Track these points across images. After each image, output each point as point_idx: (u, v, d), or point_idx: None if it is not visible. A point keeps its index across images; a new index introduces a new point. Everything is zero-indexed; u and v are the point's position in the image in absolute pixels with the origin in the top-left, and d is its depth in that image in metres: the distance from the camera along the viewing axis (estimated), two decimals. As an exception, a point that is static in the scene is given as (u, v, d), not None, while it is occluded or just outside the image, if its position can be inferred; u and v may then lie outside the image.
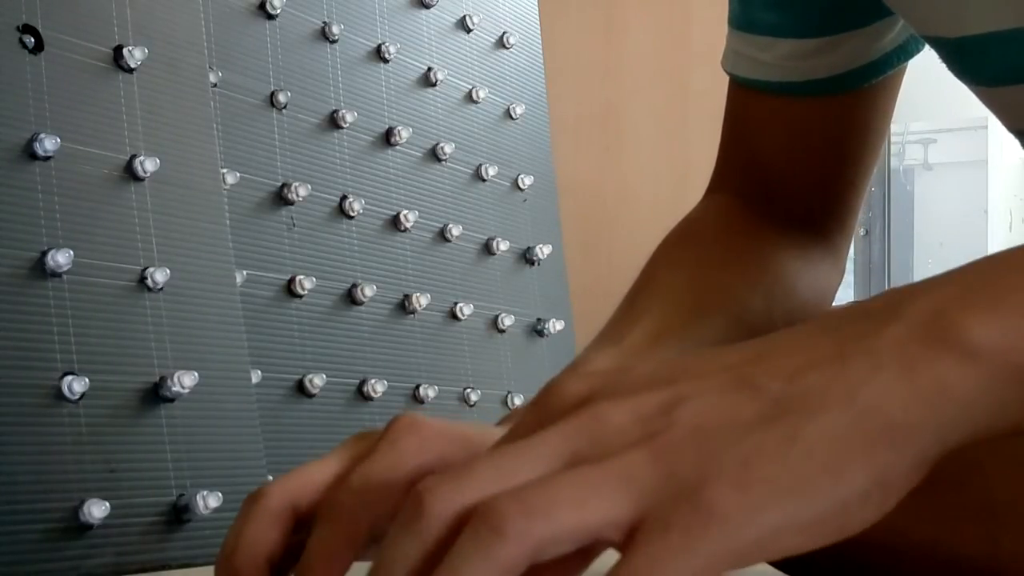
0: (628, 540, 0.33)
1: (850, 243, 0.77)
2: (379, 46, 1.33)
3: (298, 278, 1.17)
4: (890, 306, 0.37)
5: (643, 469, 0.34)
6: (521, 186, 1.51)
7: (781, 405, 0.34)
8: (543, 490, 0.33)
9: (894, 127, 3.28)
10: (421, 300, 1.30)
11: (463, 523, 0.34)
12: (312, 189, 1.21)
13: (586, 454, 0.35)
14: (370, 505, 0.43)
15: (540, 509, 0.33)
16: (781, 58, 0.69)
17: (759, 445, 0.33)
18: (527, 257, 1.50)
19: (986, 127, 3.36)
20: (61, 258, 0.91)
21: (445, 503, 0.34)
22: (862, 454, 0.34)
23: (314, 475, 0.46)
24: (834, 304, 0.76)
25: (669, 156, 2.01)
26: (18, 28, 0.93)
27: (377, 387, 1.22)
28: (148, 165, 0.99)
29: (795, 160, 0.72)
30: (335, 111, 1.26)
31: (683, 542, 0.32)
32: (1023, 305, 0.35)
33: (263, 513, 0.44)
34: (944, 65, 0.65)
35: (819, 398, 0.34)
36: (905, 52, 0.70)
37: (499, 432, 0.51)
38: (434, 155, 1.39)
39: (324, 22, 1.27)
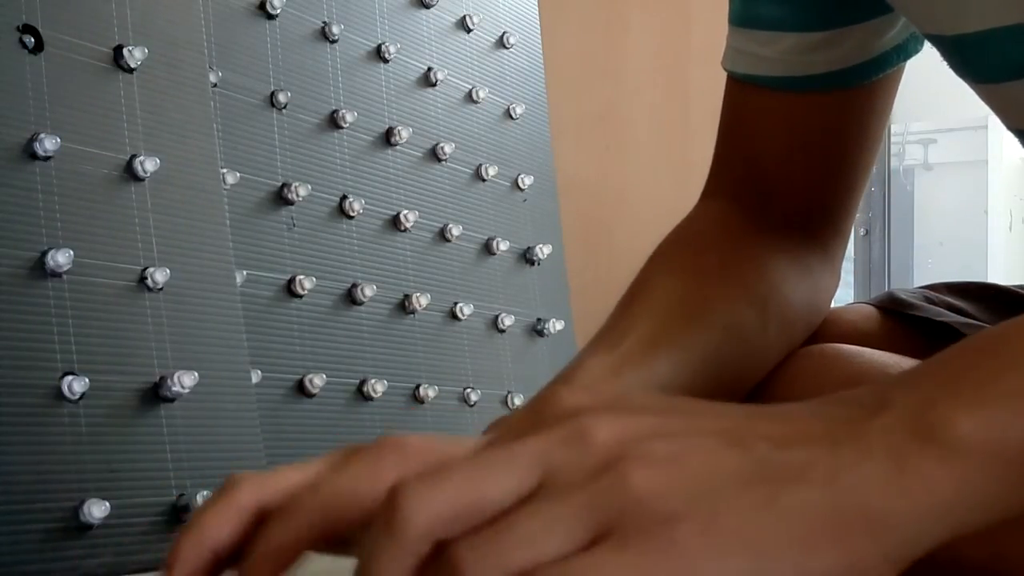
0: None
1: (846, 247, 0.77)
2: (379, 46, 1.34)
3: (298, 278, 1.17)
4: (879, 395, 0.37)
5: (612, 492, 0.34)
6: (521, 186, 1.51)
7: (765, 468, 0.34)
8: (501, 532, 0.34)
9: (894, 127, 3.28)
10: (421, 300, 1.30)
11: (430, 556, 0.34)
12: (312, 189, 1.21)
13: (561, 467, 0.35)
14: (330, 511, 0.43)
15: (496, 552, 0.33)
16: (783, 52, 0.69)
17: (735, 500, 0.34)
18: (527, 257, 1.50)
19: (986, 127, 3.36)
20: (61, 258, 0.91)
21: (421, 508, 0.35)
22: (835, 536, 0.34)
23: (289, 478, 0.46)
24: (832, 306, 0.76)
25: (669, 156, 2.01)
26: (18, 28, 0.93)
27: (377, 387, 1.22)
28: (148, 165, 0.99)
29: (792, 159, 0.72)
30: (335, 111, 1.26)
31: (636, 563, 0.32)
32: (1006, 397, 0.36)
33: (226, 505, 0.44)
34: (945, 63, 0.65)
35: (803, 470, 0.34)
36: (905, 51, 0.70)
37: None
38: (434, 155, 1.39)
39: (324, 22, 1.27)
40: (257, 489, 0.45)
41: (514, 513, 0.34)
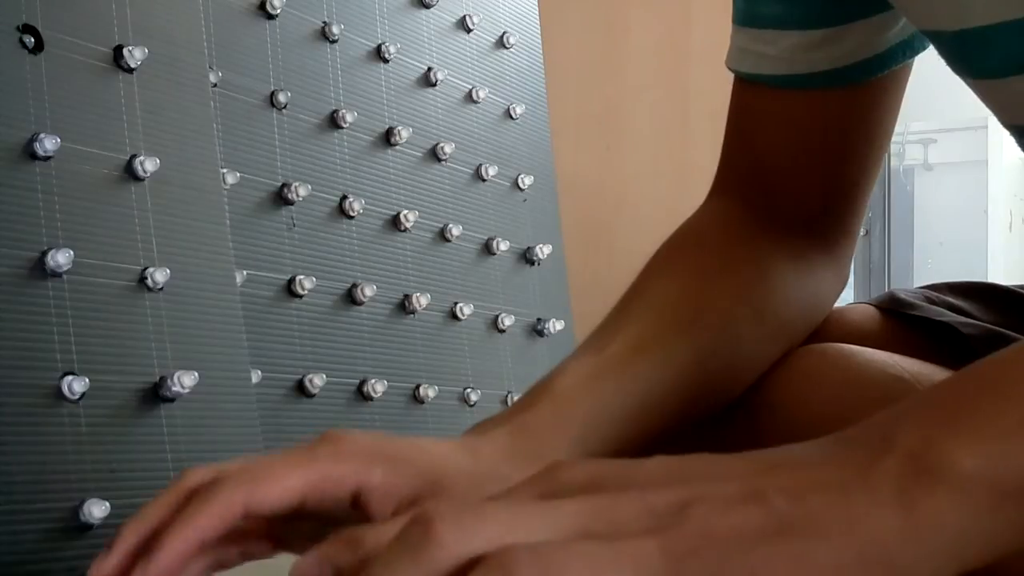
0: None
1: (854, 248, 0.76)
2: (379, 46, 1.33)
3: (298, 278, 1.17)
4: (879, 435, 0.38)
5: (655, 558, 0.34)
6: (521, 186, 1.51)
7: (787, 523, 0.35)
8: (561, 551, 0.33)
9: (894, 127, 3.28)
10: (421, 300, 1.30)
11: (470, 563, 0.33)
12: (312, 189, 1.21)
13: (598, 533, 0.35)
14: (249, 494, 0.44)
15: (556, 568, 0.33)
16: (787, 50, 0.69)
17: (767, 559, 0.34)
18: (527, 257, 1.50)
19: (986, 127, 3.36)
20: (61, 258, 0.91)
21: (457, 538, 0.34)
22: None
23: (233, 468, 0.48)
24: (835, 306, 0.76)
25: (669, 156, 2.01)
26: (18, 28, 0.93)
27: (377, 387, 1.22)
28: (148, 165, 0.99)
29: (798, 158, 0.72)
30: (335, 111, 1.26)
31: None
32: (1005, 430, 0.36)
33: (168, 493, 0.47)
34: (943, 60, 0.65)
35: (823, 523, 0.35)
36: (911, 48, 0.70)
37: (444, 450, 0.52)
38: (434, 155, 1.39)
39: (324, 22, 1.27)
40: (200, 479, 0.47)
41: (571, 541, 0.34)
